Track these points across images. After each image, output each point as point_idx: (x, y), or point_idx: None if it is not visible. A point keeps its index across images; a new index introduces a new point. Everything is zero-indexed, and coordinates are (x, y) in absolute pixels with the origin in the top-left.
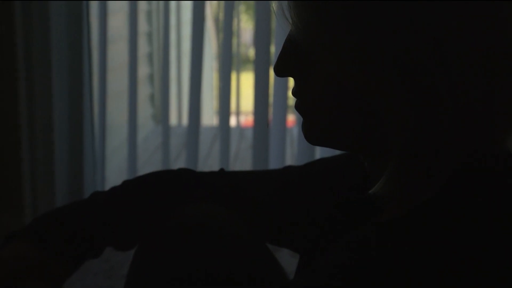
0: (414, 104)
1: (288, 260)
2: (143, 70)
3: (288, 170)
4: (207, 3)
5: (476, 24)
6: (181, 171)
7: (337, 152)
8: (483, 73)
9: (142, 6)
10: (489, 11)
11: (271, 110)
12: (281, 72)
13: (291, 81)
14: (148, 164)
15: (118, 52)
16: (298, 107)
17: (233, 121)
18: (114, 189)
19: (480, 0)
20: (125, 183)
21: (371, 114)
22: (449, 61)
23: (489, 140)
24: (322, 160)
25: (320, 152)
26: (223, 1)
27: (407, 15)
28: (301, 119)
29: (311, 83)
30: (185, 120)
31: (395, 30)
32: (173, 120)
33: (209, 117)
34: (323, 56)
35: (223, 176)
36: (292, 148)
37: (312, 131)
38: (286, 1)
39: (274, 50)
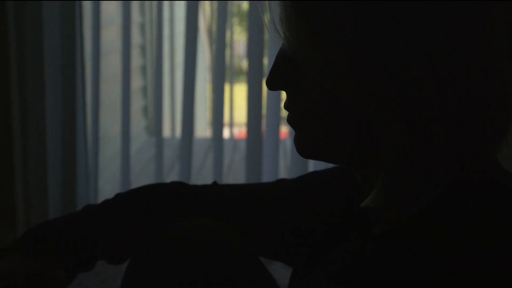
0: (405, 117)
1: (280, 273)
2: (136, 82)
3: (280, 183)
4: (200, 15)
5: (467, 37)
6: (173, 184)
7: (330, 164)
8: (474, 86)
9: (135, 18)
10: (480, 23)
11: (264, 122)
12: (273, 86)
13: (284, 93)
14: (141, 176)
15: (111, 64)
16: (290, 120)
17: (226, 133)
18: (106, 202)
19: (471, 12)
20: (118, 196)
21: (363, 127)
22: (440, 74)
23: (480, 151)
24: (314, 173)
25: (313, 164)
26: (216, 13)
27: (398, 29)
28: (294, 131)
29: (303, 97)
30: (178, 132)
31: (386, 43)
32: (166, 132)
33: (203, 129)
34: (315, 70)
35: (216, 190)
36: (285, 159)
37: (304, 145)
38: (278, 15)
39: (267, 62)
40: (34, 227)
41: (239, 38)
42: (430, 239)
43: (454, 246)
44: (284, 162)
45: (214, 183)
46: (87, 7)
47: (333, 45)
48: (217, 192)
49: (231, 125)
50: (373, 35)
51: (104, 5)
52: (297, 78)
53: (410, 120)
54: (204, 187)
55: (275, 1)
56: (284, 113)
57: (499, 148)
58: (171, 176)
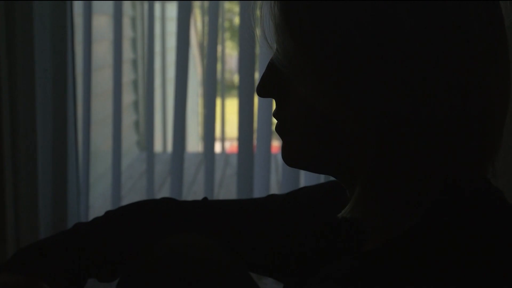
0: (380, 132)
1: None
2: (127, 97)
3: (271, 199)
4: (192, 30)
5: (443, 49)
6: (163, 200)
7: (321, 179)
8: (453, 102)
9: (127, 33)
10: (461, 37)
11: (255, 136)
12: (262, 93)
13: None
14: (133, 191)
15: (102, 79)
16: (277, 128)
17: (218, 147)
18: (96, 220)
19: (448, 20)
20: (108, 214)
21: (340, 139)
22: (417, 90)
23: (467, 167)
24: (305, 188)
25: (304, 179)
26: (207, 28)
27: (377, 47)
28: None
29: (289, 107)
30: (170, 147)
31: (365, 59)
32: (157, 147)
33: (195, 144)
34: (298, 81)
35: (206, 206)
36: (277, 174)
37: (287, 153)
38: (268, 26)
39: (258, 76)
40: (24, 247)
41: (231, 52)
42: (416, 259)
43: (439, 267)
44: (276, 177)
45: (204, 198)
46: (78, 22)
47: (314, 58)
48: (207, 208)
49: (223, 139)
50: (352, 51)
51: (95, 20)
52: (283, 87)
53: (384, 136)
54: (194, 203)
55: (267, 12)
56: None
57: (488, 165)
58: (163, 191)
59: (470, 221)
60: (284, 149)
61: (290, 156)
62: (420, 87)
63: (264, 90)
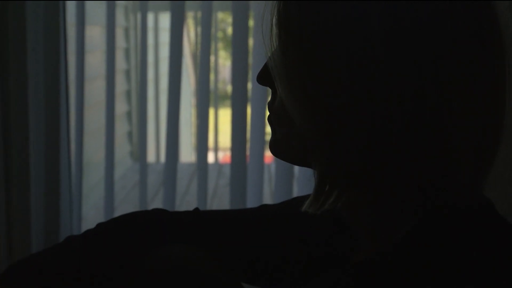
0: (334, 140)
1: None
2: (120, 107)
3: (264, 208)
4: (185, 40)
5: (423, 53)
6: (155, 211)
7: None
8: (436, 111)
9: (120, 43)
10: (449, 43)
11: (248, 146)
12: (260, 82)
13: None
14: (126, 201)
15: (95, 89)
16: (267, 118)
17: (211, 158)
18: (88, 232)
19: (431, 29)
20: (99, 226)
21: (303, 138)
22: (394, 99)
23: (458, 179)
24: (298, 198)
25: (297, 189)
26: (200, 38)
27: (344, 53)
28: None
29: (275, 100)
30: (163, 157)
31: (332, 67)
32: (151, 157)
33: (188, 154)
34: (277, 78)
35: (197, 216)
36: (270, 184)
37: (270, 143)
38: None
39: (251, 86)
40: (16, 262)
41: (224, 63)
42: (405, 272)
43: (430, 280)
44: (269, 187)
45: (196, 209)
46: (71, 32)
47: (288, 63)
48: (198, 218)
49: (216, 149)
50: (321, 61)
51: (88, 31)
52: (274, 82)
53: (337, 142)
54: (186, 213)
55: (268, 12)
56: (269, 137)
57: (480, 176)
58: (156, 201)
59: (461, 233)
60: (270, 139)
61: (271, 146)
62: (402, 101)
63: (260, 79)
